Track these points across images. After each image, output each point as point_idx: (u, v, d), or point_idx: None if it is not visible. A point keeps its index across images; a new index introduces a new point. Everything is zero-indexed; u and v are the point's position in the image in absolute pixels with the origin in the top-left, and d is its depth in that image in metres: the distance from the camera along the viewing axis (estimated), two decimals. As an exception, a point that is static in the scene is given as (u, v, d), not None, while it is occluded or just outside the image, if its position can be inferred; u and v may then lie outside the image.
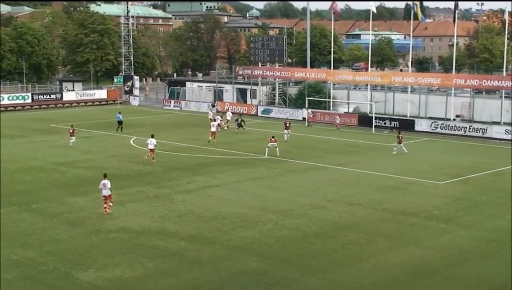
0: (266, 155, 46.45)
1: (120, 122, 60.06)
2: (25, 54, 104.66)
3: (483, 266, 24.72)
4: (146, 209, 32.43)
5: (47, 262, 24.61)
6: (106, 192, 31.46)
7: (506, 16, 69.98)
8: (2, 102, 79.31)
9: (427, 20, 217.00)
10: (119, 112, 62.14)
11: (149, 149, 44.41)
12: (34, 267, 24.15)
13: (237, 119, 59.83)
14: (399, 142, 48.97)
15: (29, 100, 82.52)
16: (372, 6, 71.40)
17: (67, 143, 51.34)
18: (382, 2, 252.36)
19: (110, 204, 31.65)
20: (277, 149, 46.58)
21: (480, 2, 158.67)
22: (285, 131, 54.21)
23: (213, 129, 53.56)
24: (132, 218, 30.75)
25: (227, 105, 77.43)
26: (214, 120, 56.92)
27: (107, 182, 31.53)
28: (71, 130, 51.72)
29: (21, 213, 31.51)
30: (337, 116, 64.27)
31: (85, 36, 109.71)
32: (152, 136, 44.84)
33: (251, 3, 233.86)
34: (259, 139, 53.21)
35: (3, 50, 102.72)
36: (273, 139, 47.02)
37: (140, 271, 23.78)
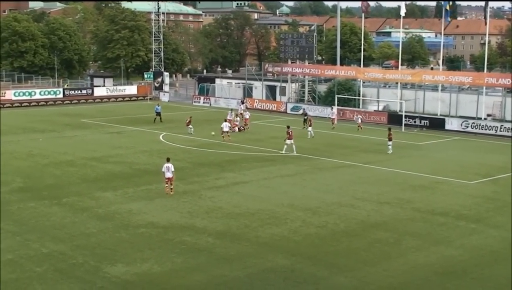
0: (284, 151, 46.21)
1: (158, 114, 63.73)
2: (57, 49, 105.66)
3: (513, 267, 24.43)
4: (174, 204, 32.57)
5: (76, 255, 24.86)
6: (169, 174, 34.09)
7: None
8: (34, 97, 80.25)
9: (459, 18, 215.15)
10: (158, 104, 65.96)
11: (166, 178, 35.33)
12: (64, 260, 24.40)
13: (304, 115, 60.54)
14: (390, 140, 47.94)
15: (61, 96, 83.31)
16: (402, 7, 70.84)
17: (97, 138, 51.84)
18: (413, 1, 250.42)
19: (172, 187, 34.26)
20: (293, 145, 46.37)
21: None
22: (309, 128, 54.52)
23: (226, 129, 52.50)
24: (160, 213, 30.92)
25: (256, 102, 77.50)
26: (237, 116, 57.88)
27: (170, 165, 34.12)
28: (187, 121, 56.78)
29: (51, 207, 31.85)
30: (359, 116, 62.83)
31: (116, 32, 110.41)
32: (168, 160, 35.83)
33: (281, 1, 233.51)
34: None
35: (35, 46, 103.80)
36: (290, 133, 46.48)
37: (168, 266, 23.92)
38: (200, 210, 31.59)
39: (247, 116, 60.34)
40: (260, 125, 62.71)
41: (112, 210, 31.39)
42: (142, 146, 49.80)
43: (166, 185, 34.47)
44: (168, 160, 34.75)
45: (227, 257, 25.00)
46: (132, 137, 54.78)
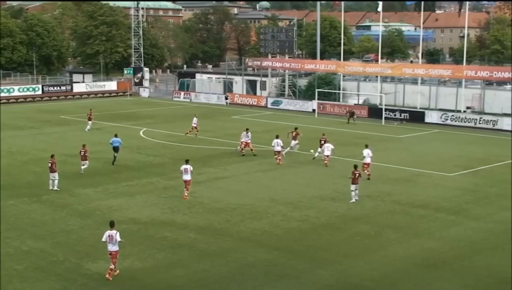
0: (285, 152, 43.78)
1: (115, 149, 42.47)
2: (36, 46, 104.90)
3: (493, 258, 24.67)
4: (155, 200, 32.50)
5: (57, 253, 24.74)
6: (187, 177, 32.35)
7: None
8: (13, 94, 79.61)
9: (438, 12, 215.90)
10: (116, 135, 43.72)
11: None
12: (45, 258, 24.27)
13: (350, 113, 60.27)
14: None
15: (40, 92, 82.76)
16: (380, 4, 71.09)
17: (77, 135, 51.49)
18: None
19: (187, 192, 32.41)
20: (297, 145, 44.97)
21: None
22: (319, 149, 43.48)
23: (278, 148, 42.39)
24: (141, 209, 30.85)
25: (237, 96, 77.48)
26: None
27: (188, 167, 32.39)
28: (89, 114, 54.06)
29: (31, 204, 31.67)
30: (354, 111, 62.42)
31: (95, 28, 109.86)
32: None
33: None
34: (268, 131, 53.16)
35: (13, 42, 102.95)
36: (296, 134, 44.44)
37: (150, 262, 23.87)
38: (181, 205, 31.54)
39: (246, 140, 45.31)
40: (241, 120, 62.68)
41: (93, 207, 31.26)
42: (122, 142, 49.52)
43: (186, 190, 32.58)
44: (187, 162, 32.97)
45: (209, 252, 24.99)
46: (113, 133, 54.17)
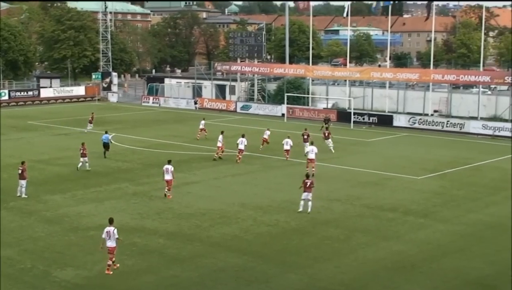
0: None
1: (105, 146, 46.28)
2: (1, 50, 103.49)
3: (460, 260, 24.94)
4: (124, 206, 32.30)
5: (25, 260, 24.45)
6: (168, 177, 33.50)
7: (483, 12, 70.55)
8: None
9: (406, 16, 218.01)
10: (106, 132, 47.65)
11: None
12: (12, 265, 23.97)
13: (325, 119, 58.39)
14: (327, 138, 47.60)
15: (6, 97, 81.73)
16: (346, 7, 71.61)
17: (44, 140, 51.07)
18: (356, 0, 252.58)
19: (169, 192, 33.61)
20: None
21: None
22: (305, 144, 45.29)
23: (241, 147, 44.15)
24: (110, 215, 30.27)
25: (206, 101, 77.40)
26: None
27: (170, 167, 33.58)
28: (90, 118, 56.07)
29: (-2, 211, 31.25)
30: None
31: (62, 32, 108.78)
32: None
33: (230, 0, 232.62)
34: (238, 135, 53.02)
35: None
36: (306, 136, 45.90)
37: (119, 268, 23.68)
38: (151, 211, 31.39)
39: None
40: (210, 125, 62.56)
41: (61, 213, 30.96)
42: (91, 147, 48.95)
43: (166, 190, 33.87)
44: (169, 162, 34.18)
45: (179, 257, 24.91)
46: (81, 139, 53.66)
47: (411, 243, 26.89)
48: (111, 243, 23.36)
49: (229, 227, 28.92)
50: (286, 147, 44.43)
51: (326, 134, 48.33)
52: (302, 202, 31.29)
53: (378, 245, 26.60)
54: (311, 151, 39.60)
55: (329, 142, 47.56)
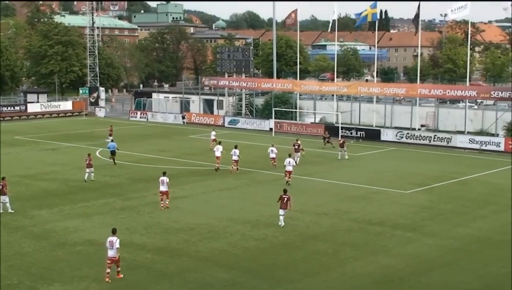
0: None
1: (113, 153, 48.74)
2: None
3: (449, 274, 24.95)
4: (112, 221, 32.08)
5: (11, 276, 24.23)
6: (163, 188, 34.34)
7: (469, 27, 71.04)
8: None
9: (392, 31, 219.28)
10: (112, 140, 51.59)
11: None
12: (-2, 281, 23.76)
13: (326, 137, 57.97)
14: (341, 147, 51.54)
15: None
16: (331, 23, 71.95)
17: (31, 155, 50.82)
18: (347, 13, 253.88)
19: (167, 201, 34.53)
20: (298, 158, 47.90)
21: (443, 13, 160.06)
22: (296, 154, 47.92)
23: (218, 154, 46.07)
24: (98, 230, 30.44)
25: (194, 116, 77.41)
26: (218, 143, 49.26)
27: (165, 179, 34.46)
28: (110, 131, 58.50)
29: (-16, 227, 30.99)
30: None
31: (50, 47, 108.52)
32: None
33: (217, 14, 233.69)
34: (226, 149, 53.04)
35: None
36: (297, 146, 48.47)
37: (107, 284, 23.53)
38: (139, 226, 31.25)
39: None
40: (198, 140, 62.58)
41: (48, 228, 30.76)
42: (78, 162, 48.95)
43: (161, 200, 34.65)
44: (164, 174, 35.09)
45: (167, 272, 24.78)
46: (68, 154, 53.88)
47: (399, 257, 26.89)
48: (112, 253, 23.87)
49: (217, 241, 28.83)
50: (272, 155, 46.42)
51: (341, 142, 52.07)
52: (281, 217, 31.26)
53: (367, 259, 26.58)
54: (288, 163, 40.86)
55: (344, 150, 51.56)
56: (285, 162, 41.45)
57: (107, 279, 23.61)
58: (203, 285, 23.58)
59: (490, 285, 23.98)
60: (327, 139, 57.51)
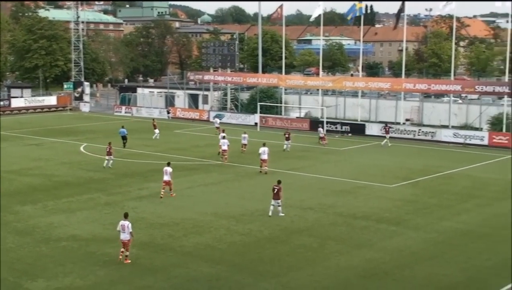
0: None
1: (124, 138, 53.80)
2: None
3: (433, 267, 25.08)
4: (97, 216, 32.04)
5: (-5, 272, 24.11)
6: (167, 177, 35.76)
7: (454, 22, 71.33)
8: None
9: (378, 26, 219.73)
10: (123, 126, 55.79)
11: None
12: (-18, 277, 23.63)
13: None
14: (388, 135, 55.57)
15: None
16: (314, 15, 72.12)
17: (15, 151, 50.60)
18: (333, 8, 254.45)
19: (171, 190, 35.88)
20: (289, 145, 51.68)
21: (428, 8, 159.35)
22: (286, 142, 52.31)
23: (225, 147, 46.77)
24: (82, 225, 30.35)
25: (179, 110, 77.26)
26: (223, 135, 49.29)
27: (169, 169, 35.88)
28: (154, 124, 60.43)
29: (-33, 223, 30.82)
30: (320, 129, 58.84)
31: (34, 42, 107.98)
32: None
33: (202, 9, 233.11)
34: (211, 145, 53.15)
35: None
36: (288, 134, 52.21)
37: (91, 279, 23.47)
38: (123, 221, 31.12)
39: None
40: (183, 134, 62.48)
41: (32, 224, 30.61)
42: (62, 157, 48.84)
43: (163, 189, 35.87)
44: (168, 164, 36.44)
45: (151, 267, 24.74)
46: (52, 149, 53.63)
47: (383, 251, 27.00)
48: (124, 236, 25.17)
49: (202, 236, 28.81)
50: (244, 142, 49.44)
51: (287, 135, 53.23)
52: (271, 207, 31.91)
53: (351, 253, 26.67)
54: (263, 152, 42.57)
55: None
56: (260, 150, 42.71)
57: (120, 258, 25.05)
58: (188, 280, 23.57)
59: (474, 277, 24.14)
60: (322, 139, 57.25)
